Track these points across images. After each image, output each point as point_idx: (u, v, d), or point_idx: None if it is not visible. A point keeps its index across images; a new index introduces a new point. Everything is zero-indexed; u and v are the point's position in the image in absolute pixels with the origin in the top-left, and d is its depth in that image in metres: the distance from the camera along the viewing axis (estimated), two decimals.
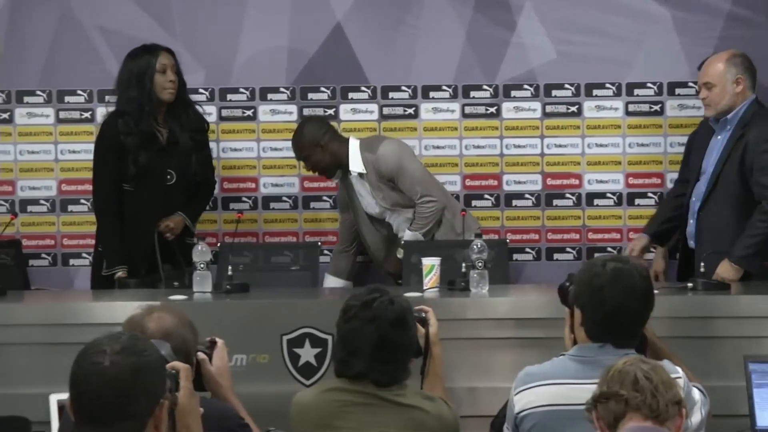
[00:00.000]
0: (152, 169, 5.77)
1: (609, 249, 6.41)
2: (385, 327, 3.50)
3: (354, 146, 6.04)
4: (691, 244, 5.66)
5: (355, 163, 6.01)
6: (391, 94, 6.50)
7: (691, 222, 5.66)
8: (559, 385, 3.47)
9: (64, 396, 3.60)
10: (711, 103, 5.58)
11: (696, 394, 3.55)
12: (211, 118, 6.51)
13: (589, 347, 3.51)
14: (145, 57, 5.80)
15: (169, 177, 5.84)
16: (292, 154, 6.47)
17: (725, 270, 5.36)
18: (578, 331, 3.57)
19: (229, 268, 5.28)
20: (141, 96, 5.72)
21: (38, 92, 6.51)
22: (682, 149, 6.16)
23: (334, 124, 6.33)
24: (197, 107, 6.01)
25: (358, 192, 6.09)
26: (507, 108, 6.50)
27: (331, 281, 6.23)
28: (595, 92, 6.43)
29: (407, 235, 5.98)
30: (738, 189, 5.48)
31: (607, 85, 6.42)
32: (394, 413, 3.48)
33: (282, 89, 6.54)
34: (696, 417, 3.51)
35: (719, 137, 5.60)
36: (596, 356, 3.47)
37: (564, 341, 3.73)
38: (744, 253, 5.37)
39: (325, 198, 6.55)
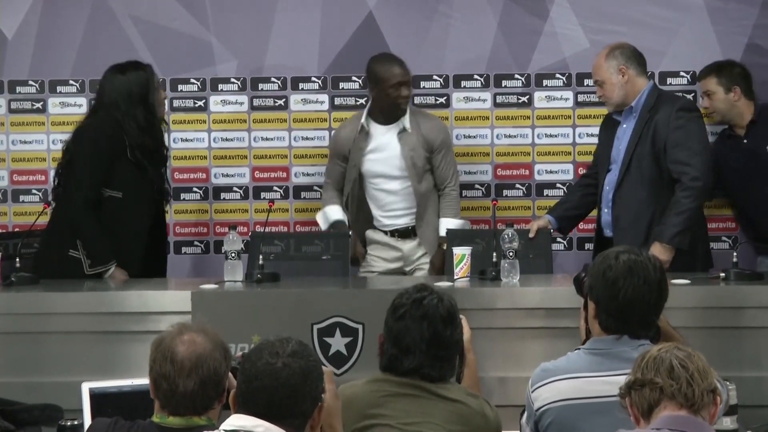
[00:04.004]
0: (150, 183, 5.72)
1: None
2: (437, 324, 3.54)
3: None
4: (608, 233, 5.70)
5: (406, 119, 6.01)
6: (422, 83, 6.48)
7: (606, 211, 5.71)
8: (576, 379, 3.46)
9: (96, 384, 3.65)
10: (606, 99, 5.71)
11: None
12: (243, 108, 6.54)
13: (605, 340, 3.51)
14: (139, 73, 5.71)
15: (166, 188, 5.86)
16: (323, 143, 6.48)
17: (658, 252, 5.35)
18: (593, 324, 3.56)
19: (260, 257, 5.30)
20: (147, 114, 5.67)
21: (71, 82, 6.54)
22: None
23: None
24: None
25: (377, 146, 6.03)
26: (539, 97, 6.49)
27: (337, 210, 6.12)
28: None
29: (451, 223, 6.01)
30: (652, 170, 5.55)
31: None
32: (438, 405, 3.50)
33: (314, 78, 6.54)
34: None
35: (624, 126, 5.68)
36: (612, 348, 3.47)
37: (579, 332, 3.71)
38: (674, 231, 5.40)
39: None
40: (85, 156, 5.62)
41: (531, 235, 5.77)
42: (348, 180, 6.10)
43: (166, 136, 6.03)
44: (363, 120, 6.01)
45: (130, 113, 5.64)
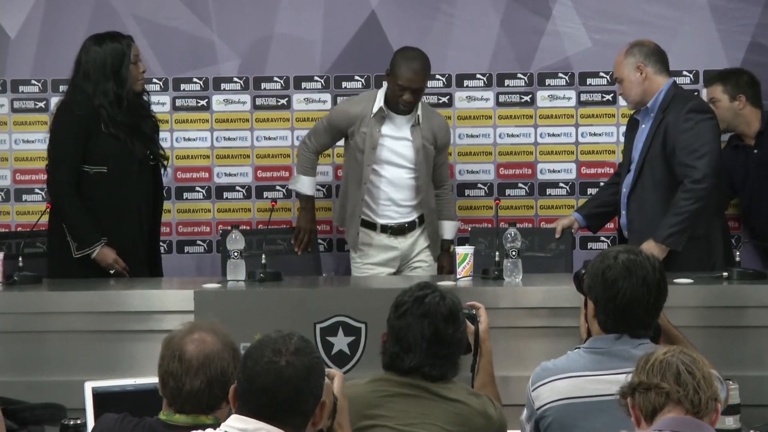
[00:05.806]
0: (132, 154, 5.62)
1: None
2: (438, 322, 3.52)
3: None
4: (626, 234, 5.64)
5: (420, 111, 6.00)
6: None
7: (623, 213, 5.65)
8: (576, 378, 3.46)
9: (99, 384, 3.65)
10: (625, 97, 5.65)
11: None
12: (246, 107, 6.55)
13: (604, 339, 3.50)
14: (115, 46, 5.63)
15: (152, 159, 5.73)
16: None
17: (650, 249, 5.16)
18: (592, 323, 3.55)
19: (263, 256, 5.29)
20: (118, 88, 5.59)
21: None
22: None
23: None
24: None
25: (390, 132, 5.95)
26: (541, 96, 6.49)
27: (311, 184, 6.09)
28: None
29: (452, 225, 6.09)
30: (663, 173, 5.46)
31: None
32: (439, 405, 3.49)
33: (316, 78, 6.55)
34: None
35: (643, 126, 5.60)
36: (612, 347, 3.47)
37: (580, 331, 3.70)
38: (669, 232, 5.31)
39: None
40: (59, 137, 5.63)
41: (557, 235, 5.78)
42: (352, 164, 5.97)
43: (168, 135, 6.01)
44: (382, 104, 5.90)
45: (100, 88, 5.57)
